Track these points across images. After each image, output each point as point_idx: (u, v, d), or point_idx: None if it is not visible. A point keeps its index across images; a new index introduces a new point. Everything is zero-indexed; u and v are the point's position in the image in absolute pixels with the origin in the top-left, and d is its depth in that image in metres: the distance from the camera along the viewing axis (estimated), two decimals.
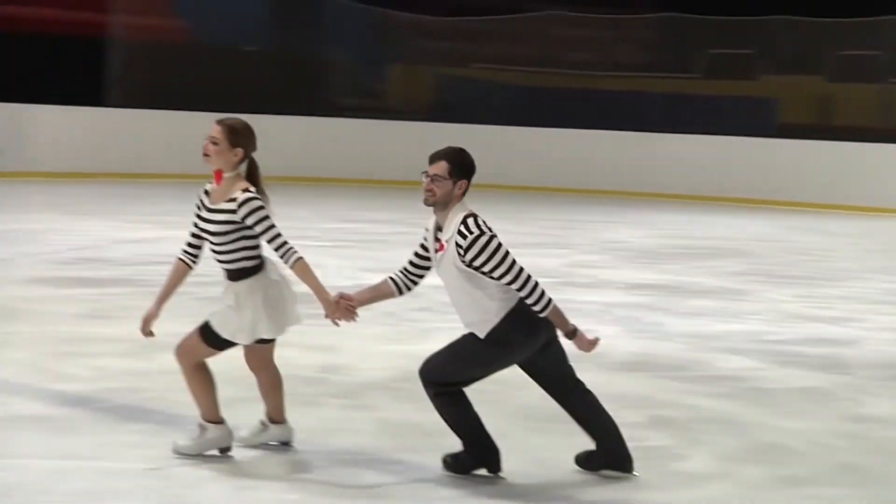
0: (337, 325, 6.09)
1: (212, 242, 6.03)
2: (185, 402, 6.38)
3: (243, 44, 27.53)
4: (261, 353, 6.28)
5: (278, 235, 5.92)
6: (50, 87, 22.79)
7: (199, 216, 6.11)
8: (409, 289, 6.07)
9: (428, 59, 29.12)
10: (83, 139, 23.41)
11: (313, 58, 27.83)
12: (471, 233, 5.68)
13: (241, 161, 6.06)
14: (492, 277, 5.71)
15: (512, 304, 5.77)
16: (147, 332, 6.19)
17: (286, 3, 28.40)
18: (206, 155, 6.01)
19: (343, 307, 5.99)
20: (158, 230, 15.95)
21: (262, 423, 6.47)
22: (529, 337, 5.84)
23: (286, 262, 5.93)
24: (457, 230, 5.71)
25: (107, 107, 24.46)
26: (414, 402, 6.88)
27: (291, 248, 5.91)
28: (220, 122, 6.04)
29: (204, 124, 6.39)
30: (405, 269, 6.02)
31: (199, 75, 24.76)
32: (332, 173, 24.87)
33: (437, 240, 5.83)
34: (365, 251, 15.00)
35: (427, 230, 5.94)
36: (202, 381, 6.18)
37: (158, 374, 7.65)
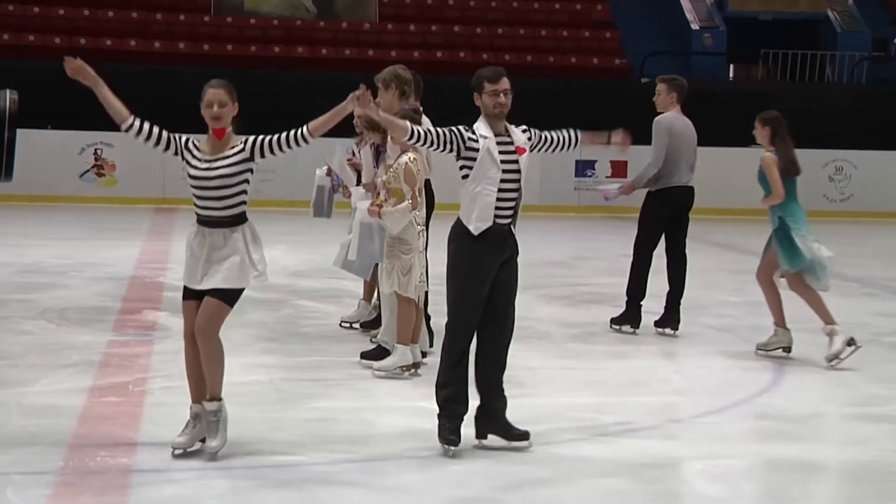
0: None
1: (215, 189, 6.48)
2: None
3: None
4: (220, 311, 6.51)
5: (277, 135, 6.54)
6: None
7: (193, 165, 6.58)
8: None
9: None
10: None
11: None
12: (525, 130, 6.90)
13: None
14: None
15: None
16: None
17: None
18: (216, 118, 6.49)
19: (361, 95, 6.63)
20: None
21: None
22: None
23: (301, 136, 6.53)
24: (521, 131, 6.86)
25: None
26: None
27: (289, 130, 6.54)
28: (215, 84, 6.56)
29: None
30: (431, 133, 6.68)
31: None
32: None
33: (510, 143, 6.73)
34: None
35: (483, 138, 6.67)
36: (221, 353, 6.59)
37: None
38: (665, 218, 10.53)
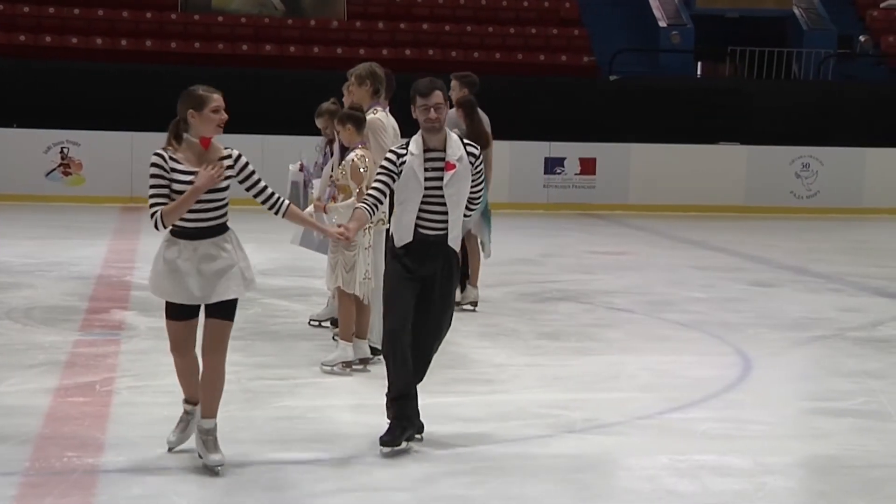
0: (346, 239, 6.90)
1: (207, 201, 6.15)
2: None
3: None
4: (228, 327, 6.35)
5: (265, 184, 6.36)
6: None
7: (177, 180, 6.13)
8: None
9: None
10: None
11: None
12: (475, 147, 6.79)
13: None
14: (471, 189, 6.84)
15: None
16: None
17: None
18: (220, 126, 6.23)
19: (341, 232, 6.74)
20: None
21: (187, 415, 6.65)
22: None
23: (277, 207, 6.36)
24: (463, 146, 6.70)
25: None
26: None
27: (276, 193, 6.39)
28: (215, 90, 6.26)
29: None
30: (381, 193, 6.66)
31: None
32: None
33: (440, 159, 6.62)
34: None
35: (410, 155, 6.63)
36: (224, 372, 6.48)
37: None
38: None
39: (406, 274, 6.67)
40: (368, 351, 8.88)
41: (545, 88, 22.39)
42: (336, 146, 9.53)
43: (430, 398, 7.22)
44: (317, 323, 10.34)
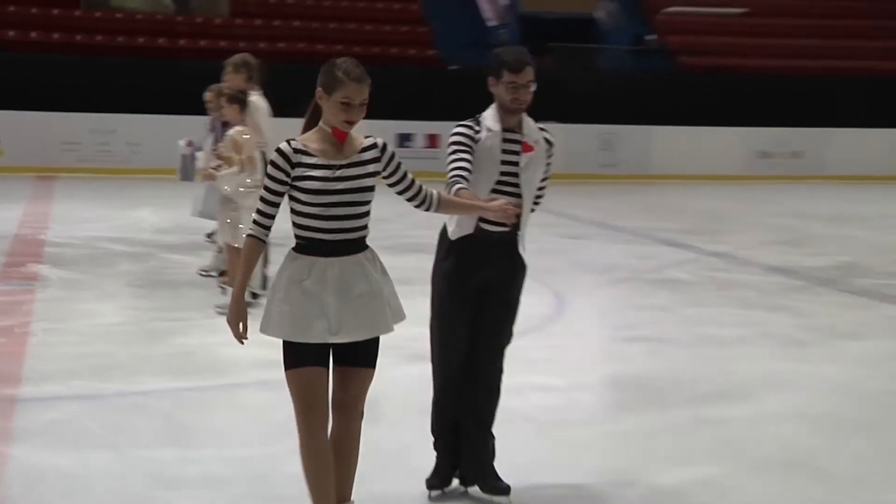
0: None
1: (356, 204, 3.94)
2: None
3: None
4: (372, 374, 4.08)
5: (412, 177, 4.21)
6: None
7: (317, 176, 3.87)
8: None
9: None
10: None
11: None
12: (551, 135, 4.87)
13: None
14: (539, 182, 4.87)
15: None
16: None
17: None
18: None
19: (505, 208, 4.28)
20: None
21: None
22: None
23: (429, 203, 4.20)
24: (539, 129, 4.81)
25: None
26: None
27: (424, 187, 4.20)
28: (361, 76, 3.94)
29: None
30: (469, 165, 4.59)
31: None
32: None
33: (517, 142, 4.70)
34: None
35: (488, 131, 4.68)
36: None
37: None
38: None
39: (463, 280, 4.72)
40: (251, 296, 8.79)
41: (396, 76, 22.31)
42: (218, 124, 9.42)
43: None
44: (205, 273, 10.19)
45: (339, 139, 3.89)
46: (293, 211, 3.88)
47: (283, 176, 3.83)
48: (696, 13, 26.50)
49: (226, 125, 8.95)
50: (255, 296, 8.77)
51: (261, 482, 5.00)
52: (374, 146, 3.97)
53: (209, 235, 10.81)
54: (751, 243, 13.70)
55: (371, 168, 3.92)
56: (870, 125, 24.28)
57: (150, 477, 5.04)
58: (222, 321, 8.27)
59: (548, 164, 4.89)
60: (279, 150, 3.85)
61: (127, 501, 4.78)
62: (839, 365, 7.59)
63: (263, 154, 8.95)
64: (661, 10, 26.66)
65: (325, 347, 3.88)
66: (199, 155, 9.55)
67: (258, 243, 3.89)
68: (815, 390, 6.92)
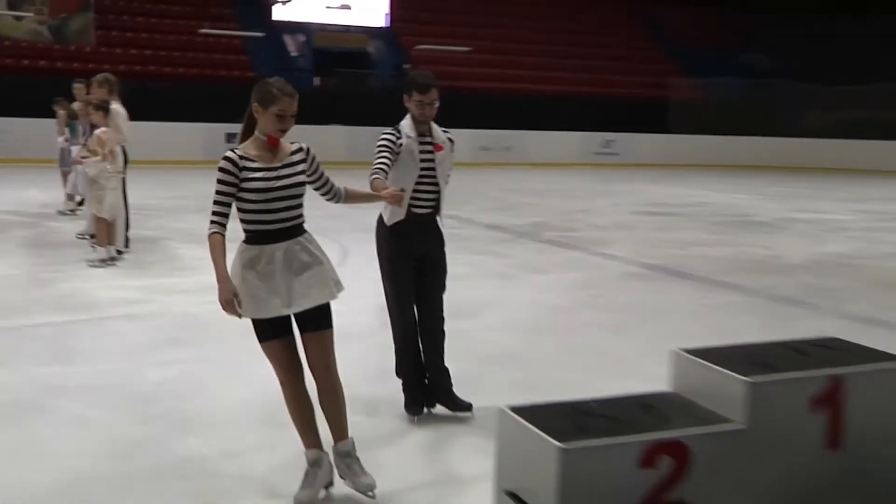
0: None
1: (291, 196, 3.43)
2: None
3: None
4: (332, 335, 3.58)
5: (327, 176, 3.70)
6: None
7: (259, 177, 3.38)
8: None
9: None
10: None
11: None
12: (451, 135, 4.48)
13: None
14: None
15: None
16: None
17: None
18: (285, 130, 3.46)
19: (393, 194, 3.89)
20: None
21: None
22: None
23: (337, 196, 3.77)
24: (443, 131, 4.43)
25: None
26: None
27: (331, 183, 3.74)
28: (292, 92, 3.50)
29: None
30: (388, 164, 4.20)
31: None
32: None
33: (430, 143, 4.33)
34: None
35: (407, 137, 4.29)
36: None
37: None
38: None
39: (404, 254, 4.45)
40: (115, 252, 8.41)
41: (224, 91, 21.55)
42: (87, 125, 8.99)
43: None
44: (81, 236, 9.60)
45: (272, 146, 3.42)
46: (241, 209, 3.36)
47: (233, 179, 3.32)
48: (438, 50, 26.88)
49: (93, 127, 8.51)
50: (119, 252, 8.41)
51: (126, 388, 4.78)
52: (300, 150, 3.51)
53: (79, 204, 10.40)
54: (475, 210, 13.95)
55: (300, 168, 3.45)
56: (556, 129, 25.41)
57: (39, 387, 4.74)
58: (95, 271, 7.91)
59: (451, 156, 4.50)
60: (228, 159, 3.33)
61: (22, 407, 4.47)
62: (533, 290, 7.82)
63: (123, 148, 8.58)
64: (414, 46, 26.85)
65: (286, 319, 3.40)
66: (74, 148, 9.05)
67: (221, 237, 3.26)
68: (518, 308, 7.07)
